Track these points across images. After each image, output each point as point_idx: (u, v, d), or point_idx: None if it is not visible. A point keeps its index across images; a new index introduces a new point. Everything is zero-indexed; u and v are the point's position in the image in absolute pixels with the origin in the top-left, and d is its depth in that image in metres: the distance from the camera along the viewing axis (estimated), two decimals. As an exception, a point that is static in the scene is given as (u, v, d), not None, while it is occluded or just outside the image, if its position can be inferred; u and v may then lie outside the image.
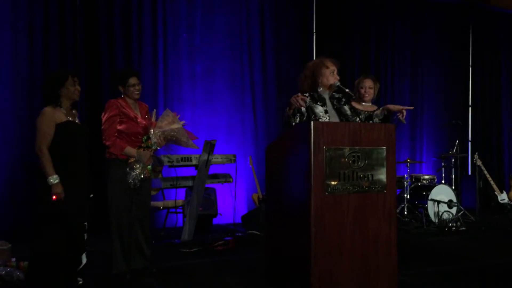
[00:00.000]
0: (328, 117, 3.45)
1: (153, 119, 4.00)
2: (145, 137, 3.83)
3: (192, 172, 5.61)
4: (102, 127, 3.79)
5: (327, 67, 3.50)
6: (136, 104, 3.93)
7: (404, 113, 3.56)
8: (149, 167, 3.82)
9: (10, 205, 5.55)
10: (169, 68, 6.60)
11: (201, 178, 5.41)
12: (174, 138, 3.94)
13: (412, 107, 3.81)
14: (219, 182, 5.88)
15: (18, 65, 5.69)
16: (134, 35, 6.32)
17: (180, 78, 6.68)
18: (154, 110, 4.07)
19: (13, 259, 3.98)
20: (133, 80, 3.86)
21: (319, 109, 3.46)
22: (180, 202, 5.80)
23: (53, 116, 3.34)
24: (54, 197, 3.26)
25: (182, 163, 5.40)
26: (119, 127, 3.78)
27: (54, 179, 3.27)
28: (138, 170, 3.72)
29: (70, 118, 3.42)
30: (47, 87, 3.41)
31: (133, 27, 6.32)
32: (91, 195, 3.56)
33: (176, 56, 6.65)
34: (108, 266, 3.82)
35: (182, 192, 6.03)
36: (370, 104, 4.42)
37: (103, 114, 3.83)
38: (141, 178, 3.74)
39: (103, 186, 3.84)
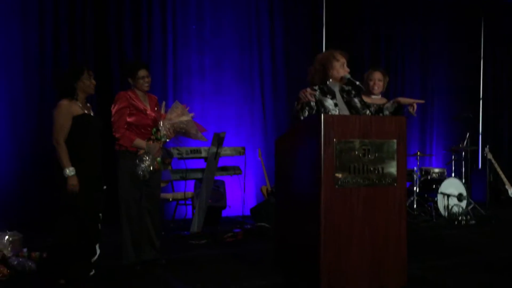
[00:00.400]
0: (338, 110, 3.44)
1: (163, 111, 4.00)
2: (155, 129, 3.84)
3: (201, 164, 5.63)
4: (112, 119, 3.80)
5: (337, 60, 3.48)
6: (145, 96, 3.94)
7: (415, 107, 3.54)
8: (158, 159, 3.84)
9: (21, 196, 5.60)
10: (178, 61, 6.61)
11: (211, 170, 5.43)
12: (183, 130, 3.95)
13: (423, 101, 3.78)
14: (228, 174, 5.89)
15: (27, 57, 5.72)
16: (144, 28, 6.33)
17: (189, 71, 6.69)
18: (164, 102, 4.08)
19: (25, 250, 4.02)
20: (142, 72, 3.86)
21: (329, 102, 3.44)
22: (189, 194, 5.82)
23: (70, 109, 3.39)
24: (69, 189, 3.30)
25: (191, 155, 5.41)
26: (128, 119, 3.78)
27: (70, 171, 3.32)
28: (147, 162, 3.73)
29: (86, 111, 3.48)
30: (64, 80, 3.46)
31: (142, 20, 6.32)
32: (105, 187, 3.60)
33: (186, 48, 6.65)
34: (119, 257, 3.85)
35: (191, 184, 6.05)
36: (380, 97, 4.40)
37: (112, 106, 3.83)
38: (151, 170, 3.76)
39: (114, 177, 3.86)
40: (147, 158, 3.74)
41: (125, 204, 3.78)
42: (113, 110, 3.81)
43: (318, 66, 3.51)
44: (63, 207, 3.38)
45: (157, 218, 3.98)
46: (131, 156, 3.76)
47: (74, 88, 3.44)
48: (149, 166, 3.74)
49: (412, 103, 3.55)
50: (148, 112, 3.85)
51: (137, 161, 3.73)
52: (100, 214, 3.57)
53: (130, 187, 3.77)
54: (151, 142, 3.80)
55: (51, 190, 3.45)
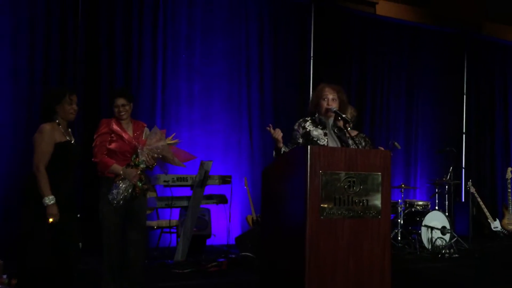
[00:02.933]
0: (326, 140, 3.50)
1: (143, 137, 3.93)
2: (134, 155, 3.79)
3: (187, 192, 5.61)
4: (93, 145, 3.79)
5: (323, 99, 3.55)
6: (130, 123, 3.89)
7: None
8: (139, 183, 3.74)
9: (4, 222, 5.51)
10: (167, 88, 6.66)
11: (196, 198, 5.41)
12: (160, 155, 3.88)
13: None
14: (214, 202, 5.88)
15: (17, 80, 5.72)
16: (134, 55, 6.39)
17: (178, 98, 6.74)
18: (146, 129, 3.98)
19: (4, 276, 3.94)
20: (119, 101, 3.80)
21: (319, 132, 3.51)
22: (174, 222, 5.78)
23: (53, 135, 3.29)
24: (50, 219, 3.18)
25: (178, 183, 5.40)
26: (109, 146, 3.75)
27: (50, 200, 3.19)
28: (122, 188, 3.68)
29: (68, 138, 3.38)
30: (45, 103, 3.40)
31: (133, 47, 6.39)
32: (78, 215, 3.50)
33: (175, 76, 6.71)
34: (98, 286, 3.78)
35: (176, 212, 6.01)
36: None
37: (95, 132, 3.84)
38: (126, 196, 3.67)
39: (97, 205, 3.81)
40: (121, 184, 3.68)
41: (106, 231, 3.72)
42: (94, 137, 3.80)
43: (313, 98, 3.64)
44: (34, 233, 3.23)
45: (140, 246, 3.85)
46: (110, 182, 3.70)
47: (55, 112, 3.34)
48: (123, 192, 3.68)
49: None
50: (127, 138, 3.80)
51: (113, 187, 3.68)
52: (80, 243, 3.44)
53: (110, 214, 3.70)
54: (130, 168, 3.74)
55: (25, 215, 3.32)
